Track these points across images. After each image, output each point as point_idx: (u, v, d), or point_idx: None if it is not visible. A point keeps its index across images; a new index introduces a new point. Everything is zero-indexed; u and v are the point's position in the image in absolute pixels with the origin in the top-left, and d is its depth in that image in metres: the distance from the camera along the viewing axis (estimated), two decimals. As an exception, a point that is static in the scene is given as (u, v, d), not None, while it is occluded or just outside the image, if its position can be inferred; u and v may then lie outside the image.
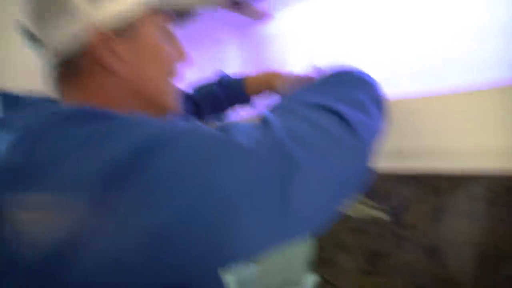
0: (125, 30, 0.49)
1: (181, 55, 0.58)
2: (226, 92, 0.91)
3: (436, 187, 0.95)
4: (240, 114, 1.08)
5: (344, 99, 0.48)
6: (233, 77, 0.93)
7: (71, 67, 0.48)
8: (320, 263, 1.19)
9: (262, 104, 0.93)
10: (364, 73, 0.55)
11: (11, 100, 0.46)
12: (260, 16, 1.35)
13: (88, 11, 0.45)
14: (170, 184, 0.35)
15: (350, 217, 1.09)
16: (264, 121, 0.44)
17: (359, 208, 1.03)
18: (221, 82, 0.92)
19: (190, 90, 0.95)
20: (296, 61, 1.32)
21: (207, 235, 0.35)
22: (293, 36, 1.32)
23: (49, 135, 0.36)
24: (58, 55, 0.48)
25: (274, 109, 0.47)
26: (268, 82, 0.87)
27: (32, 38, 0.48)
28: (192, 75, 0.57)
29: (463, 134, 0.57)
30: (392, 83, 1.10)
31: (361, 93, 0.50)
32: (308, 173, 0.39)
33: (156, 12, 0.52)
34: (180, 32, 0.58)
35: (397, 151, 0.60)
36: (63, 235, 0.33)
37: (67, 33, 0.46)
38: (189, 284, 0.36)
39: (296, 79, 0.82)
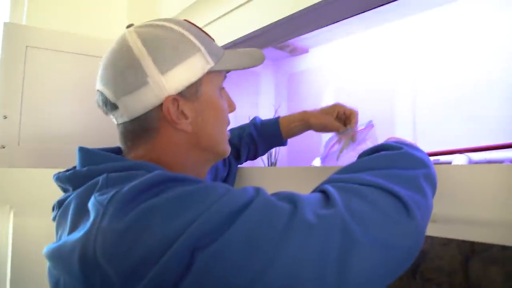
0: (189, 92, 0.55)
1: (231, 106, 0.64)
2: (262, 134, 0.93)
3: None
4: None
5: (401, 179, 0.50)
6: (267, 119, 0.95)
7: (140, 125, 0.55)
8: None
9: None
10: (417, 149, 0.57)
11: (88, 154, 0.54)
12: (296, 51, 1.39)
13: (160, 81, 0.52)
14: (246, 249, 0.39)
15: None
16: (327, 196, 0.47)
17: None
18: (255, 124, 0.93)
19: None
20: (328, 94, 1.34)
21: None
22: (326, 70, 1.35)
23: (138, 202, 0.42)
24: (130, 116, 0.54)
25: (334, 183, 0.50)
26: (303, 120, 0.88)
27: (106, 102, 0.55)
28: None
29: (498, 206, 0.56)
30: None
31: (416, 172, 0.52)
32: (365, 249, 0.42)
33: (213, 73, 0.59)
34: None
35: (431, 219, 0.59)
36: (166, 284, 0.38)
37: (141, 99, 0.53)
38: None
39: (331, 116, 0.83)
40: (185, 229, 0.39)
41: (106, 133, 0.87)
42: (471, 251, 0.90)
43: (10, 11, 1.30)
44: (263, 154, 0.98)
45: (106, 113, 0.58)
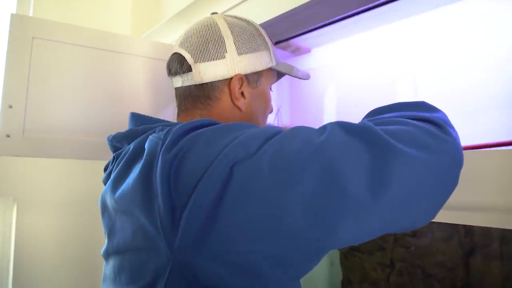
0: (252, 78, 0.65)
1: (271, 107, 0.73)
2: None
3: (467, 228, 0.92)
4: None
5: (423, 108, 0.54)
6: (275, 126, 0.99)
7: (205, 91, 0.63)
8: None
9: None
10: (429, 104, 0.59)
11: (142, 117, 0.63)
12: (298, 51, 1.40)
13: (235, 60, 0.62)
14: (274, 165, 0.42)
15: (377, 252, 1.07)
16: (356, 124, 0.48)
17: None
18: None
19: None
20: (330, 93, 1.35)
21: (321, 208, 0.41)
22: (328, 70, 1.36)
23: (190, 133, 0.48)
24: (200, 80, 0.62)
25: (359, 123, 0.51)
26: None
27: (183, 63, 0.63)
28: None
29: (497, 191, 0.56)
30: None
31: (437, 113, 0.54)
32: (404, 158, 0.43)
33: (271, 71, 0.69)
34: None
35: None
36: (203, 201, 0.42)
37: (214, 69, 0.62)
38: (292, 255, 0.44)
39: None
40: (225, 147, 0.44)
41: (111, 125, 0.89)
42: (471, 247, 0.90)
43: (17, 3, 1.34)
44: None
45: (175, 73, 0.65)
